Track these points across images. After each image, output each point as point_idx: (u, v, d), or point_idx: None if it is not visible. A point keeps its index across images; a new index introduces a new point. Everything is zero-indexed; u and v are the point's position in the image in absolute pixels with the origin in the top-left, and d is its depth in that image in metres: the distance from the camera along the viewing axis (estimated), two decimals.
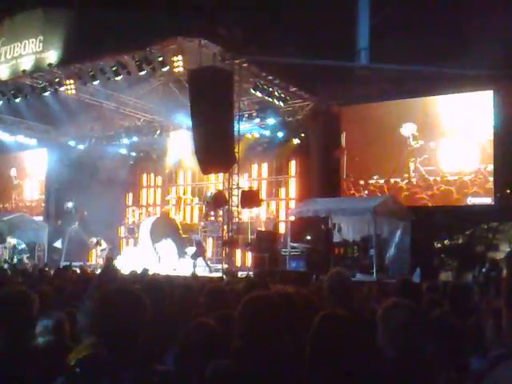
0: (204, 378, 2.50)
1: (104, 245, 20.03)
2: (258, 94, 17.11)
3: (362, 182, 18.62)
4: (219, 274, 14.28)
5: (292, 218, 17.03)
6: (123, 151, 23.09)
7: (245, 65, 15.82)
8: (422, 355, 2.84)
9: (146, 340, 2.33)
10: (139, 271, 10.11)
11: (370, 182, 18.45)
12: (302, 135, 19.31)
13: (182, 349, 2.85)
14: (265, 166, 21.45)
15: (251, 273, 14.37)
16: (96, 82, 16.92)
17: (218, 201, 17.38)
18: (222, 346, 2.73)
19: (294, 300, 3.48)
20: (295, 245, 16.23)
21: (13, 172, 25.99)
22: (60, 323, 3.72)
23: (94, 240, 20.13)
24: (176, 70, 15.25)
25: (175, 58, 14.96)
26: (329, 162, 18.82)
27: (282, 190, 21.15)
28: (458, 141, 17.02)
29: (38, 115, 21.07)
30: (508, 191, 16.50)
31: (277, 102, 17.75)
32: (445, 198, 17.12)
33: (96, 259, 20.42)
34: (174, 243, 18.96)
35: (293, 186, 20.72)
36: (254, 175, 21.55)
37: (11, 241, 20.39)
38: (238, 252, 19.06)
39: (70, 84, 17.09)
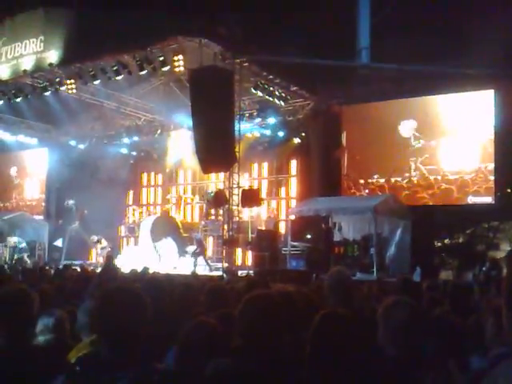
0: (204, 377, 2.50)
1: (104, 243, 20.06)
2: (259, 93, 17.11)
3: (362, 181, 18.63)
4: (219, 273, 14.30)
5: (292, 217, 17.03)
6: (124, 151, 23.09)
7: (245, 64, 15.82)
8: (422, 354, 2.84)
9: (147, 339, 2.34)
10: (139, 270, 10.12)
11: (371, 181, 18.45)
12: (303, 134, 19.30)
13: (182, 347, 2.85)
14: (265, 165, 21.46)
15: (251, 272, 14.40)
16: (97, 82, 16.94)
17: (219, 200, 17.38)
18: (222, 345, 2.73)
19: (295, 299, 3.48)
20: (296, 244, 16.24)
21: (14, 171, 26.00)
22: (60, 322, 3.71)
23: (95, 238, 20.16)
24: (177, 69, 15.25)
25: (176, 58, 14.96)
26: (329, 161, 18.82)
27: (283, 190, 21.16)
28: (459, 140, 17.02)
29: (38, 115, 21.09)
30: (508, 190, 16.50)
31: (277, 102, 17.75)
32: (445, 197, 17.12)
33: (96, 258, 20.44)
34: (174, 242, 18.98)
35: (293, 186, 20.73)
36: (255, 174, 21.56)
37: (12, 240, 20.42)
38: (239, 251, 19.06)
39: (71, 84, 17.10)
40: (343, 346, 2.59)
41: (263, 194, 19.72)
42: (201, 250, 17.54)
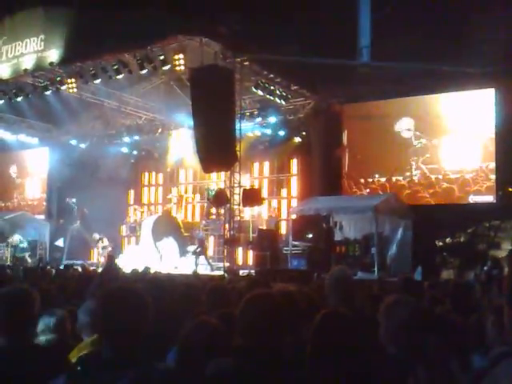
0: (205, 377, 2.50)
1: (106, 242, 20.10)
2: (260, 92, 17.11)
3: (362, 181, 18.62)
4: (221, 273, 14.30)
5: (293, 217, 17.03)
6: (124, 150, 23.09)
7: (246, 63, 15.83)
8: (423, 353, 2.84)
9: (148, 338, 2.33)
10: (141, 269, 10.13)
11: (372, 180, 18.45)
12: (304, 134, 19.29)
13: (183, 347, 2.85)
14: (266, 164, 21.45)
15: (253, 271, 14.41)
16: (97, 81, 16.95)
17: (220, 199, 17.38)
18: (223, 345, 2.72)
19: (296, 298, 3.48)
20: (297, 243, 16.23)
21: (14, 171, 26.00)
22: (61, 321, 3.72)
23: (97, 236, 20.21)
24: (177, 68, 15.26)
25: (176, 57, 14.97)
26: (330, 160, 18.81)
27: (284, 189, 21.15)
28: (460, 139, 17.01)
29: (39, 114, 21.11)
30: (510, 189, 16.48)
31: (278, 101, 17.74)
32: (447, 196, 17.12)
33: (97, 257, 20.46)
34: (175, 242, 18.99)
35: (294, 185, 20.72)
36: (256, 174, 21.56)
37: (13, 239, 20.44)
38: (240, 250, 19.07)
39: (72, 83, 17.11)
40: (344, 346, 2.59)
41: (264, 194, 19.72)
42: (202, 249, 17.55)
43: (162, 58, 15.23)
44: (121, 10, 14.68)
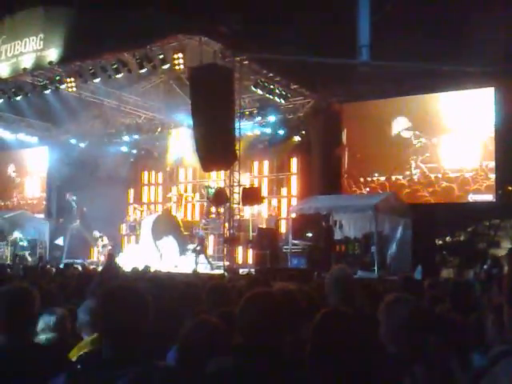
0: (205, 375, 2.50)
1: (106, 240, 20.14)
2: (259, 91, 17.11)
3: (362, 180, 18.63)
4: (221, 271, 14.30)
5: (293, 216, 17.03)
6: (124, 149, 23.10)
7: (245, 62, 15.83)
8: (423, 351, 2.84)
9: (148, 337, 2.34)
10: (141, 268, 10.13)
11: (371, 179, 18.45)
12: (303, 133, 19.29)
13: (183, 346, 2.85)
14: (266, 163, 21.46)
15: (253, 270, 14.42)
16: (97, 80, 16.94)
17: (220, 198, 17.38)
18: (223, 344, 2.73)
19: (296, 297, 3.48)
20: (296, 242, 16.23)
21: (14, 170, 25.99)
22: (62, 320, 3.72)
23: (97, 234, 20.23)
24: (176, 67, 15.25)
25: (176, 56, 14.95)
26: (330, 159, 18.81)
27: (284, 188, 21.16)
28: (460, 138, 17.01)
29: (38, 113, 21.11)
30: (509, 188, 16.49)
31: (277, 100, 17.75)
32: (446, 195, 17.13)
33: (97, 256, 20.48)
34: (175, 240, 18.99)
35: (294, 184, 20.73)
36: (256, 173, 21.57)
37: (13, 236, 20.46)
38: (240, 249, 19.08)
39: (71, 82, 17.09)
40: (344, 345, 2.59)
41: (264, 192, 19.73)
42: (202, 248, 17.55)
43: (161, 57, 15.22)
44: (120, 10, 14.67)
